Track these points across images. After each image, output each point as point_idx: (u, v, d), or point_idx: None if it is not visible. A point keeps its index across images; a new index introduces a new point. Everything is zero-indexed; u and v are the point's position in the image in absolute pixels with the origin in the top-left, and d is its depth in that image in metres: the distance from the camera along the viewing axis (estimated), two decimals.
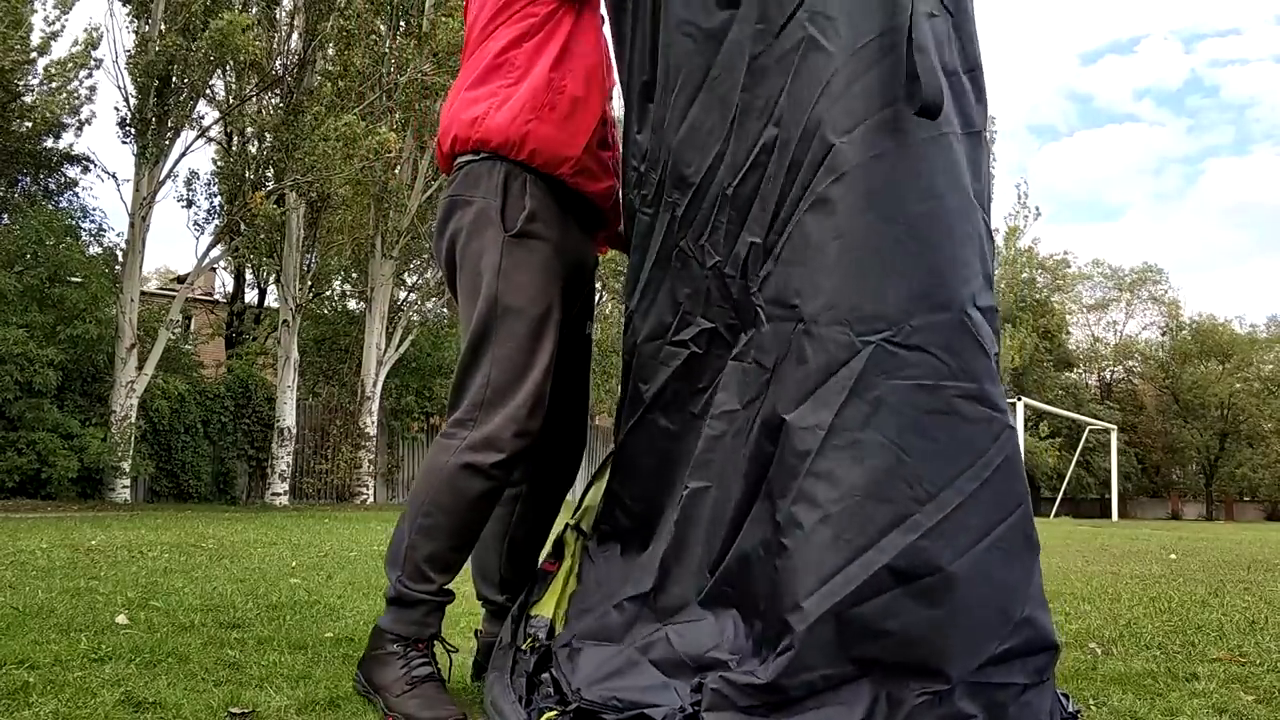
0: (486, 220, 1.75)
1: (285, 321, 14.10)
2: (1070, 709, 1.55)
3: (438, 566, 1.71)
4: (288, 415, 13.84)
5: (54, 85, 14.24)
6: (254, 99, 13.98)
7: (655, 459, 1.73)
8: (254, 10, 13.44)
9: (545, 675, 1.64)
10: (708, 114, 1.60)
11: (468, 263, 1.78)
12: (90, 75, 14.46)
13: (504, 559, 1.98)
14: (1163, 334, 38.05)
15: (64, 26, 18.64)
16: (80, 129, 14.53)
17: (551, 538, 1.99)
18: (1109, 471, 25.88)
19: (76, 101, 14.39)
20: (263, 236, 14.12)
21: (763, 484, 1.46)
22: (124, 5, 12.13)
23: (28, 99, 13.72)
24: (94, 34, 14.39)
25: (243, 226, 12.85)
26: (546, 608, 1.81)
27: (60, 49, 23.82)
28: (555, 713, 1.49)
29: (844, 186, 1.40)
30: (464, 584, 2.07)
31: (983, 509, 1.34)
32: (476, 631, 2.07)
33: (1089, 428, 26.08)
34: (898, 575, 1.30)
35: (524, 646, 1.73)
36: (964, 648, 1.32)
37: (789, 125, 1.47)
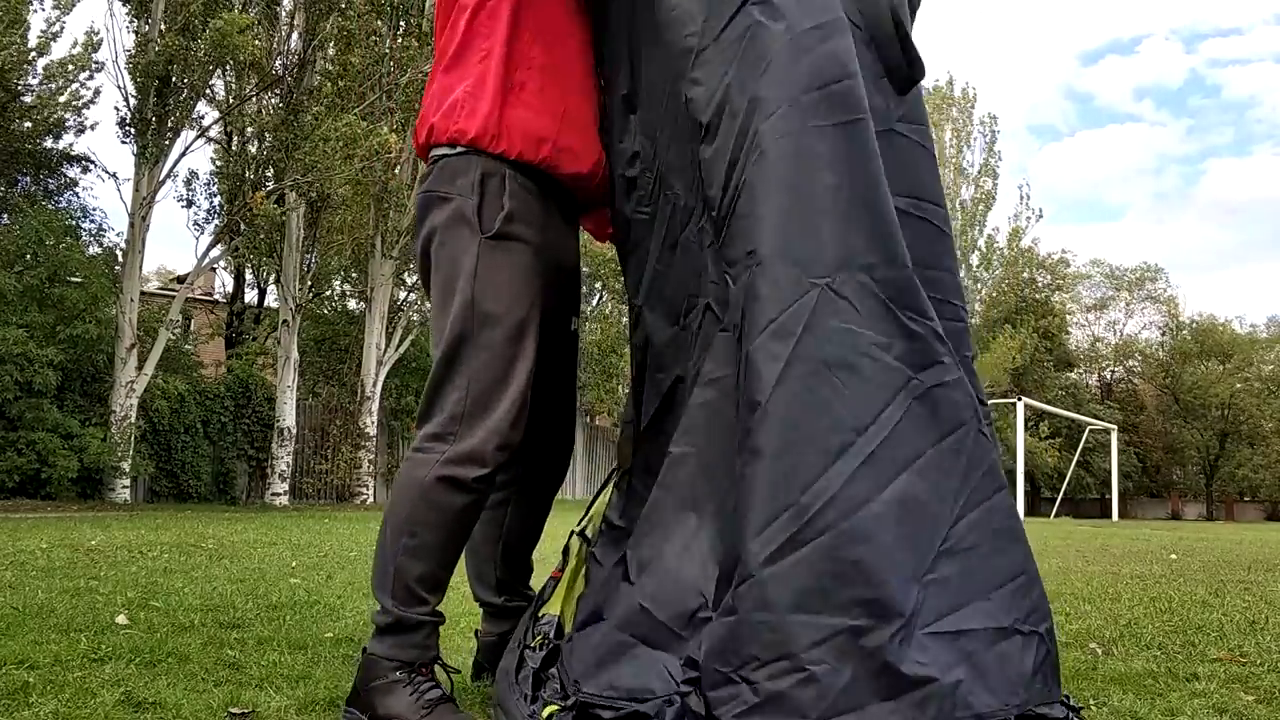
0: (462, 220, 1.67)
1: (285, 321, 14.11)
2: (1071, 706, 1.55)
3: (428, 586, 1.65)
4: (288, 415, 13.84)
5: (55, 86, 14.23)
6: (254, 99, 13.99)
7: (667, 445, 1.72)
8: (254, 10, 13.45)
9: (552, 671, 1.64)
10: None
11: (442, 264, 1.70)
12: (93, 78, 14.47)
13: (498, 561, 1.97)
14: (1163, 334, 38.04)
15: (63, 27, 18.63)
16: (81, 131, 14.54)
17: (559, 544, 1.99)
18: (1109, 471, 25.87)
19: (79, 103, 14.37)
20: (263, 236, 14.13)
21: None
22: (124, 5, 12.14)
23: (27, 99, 13.72)
24: (94, 37, 14.39)
25: (243, 226, 12.85)
26: (554, 607, 1.82)
27: (60, 49, 23.85)
28: (557, 707, 1.49)
29: (782, 153, 1.50)
30: (464, 584, 2.07)
31: (905, 440, 1.43)
32: (476, 631, 2.07)
33: (1089, 428, 26.08)
34: (837, 508, 1.35)
35: (533, 645, 1.73)
36: (891, 576, 1.34)
37: (736, 102, 1.55)
